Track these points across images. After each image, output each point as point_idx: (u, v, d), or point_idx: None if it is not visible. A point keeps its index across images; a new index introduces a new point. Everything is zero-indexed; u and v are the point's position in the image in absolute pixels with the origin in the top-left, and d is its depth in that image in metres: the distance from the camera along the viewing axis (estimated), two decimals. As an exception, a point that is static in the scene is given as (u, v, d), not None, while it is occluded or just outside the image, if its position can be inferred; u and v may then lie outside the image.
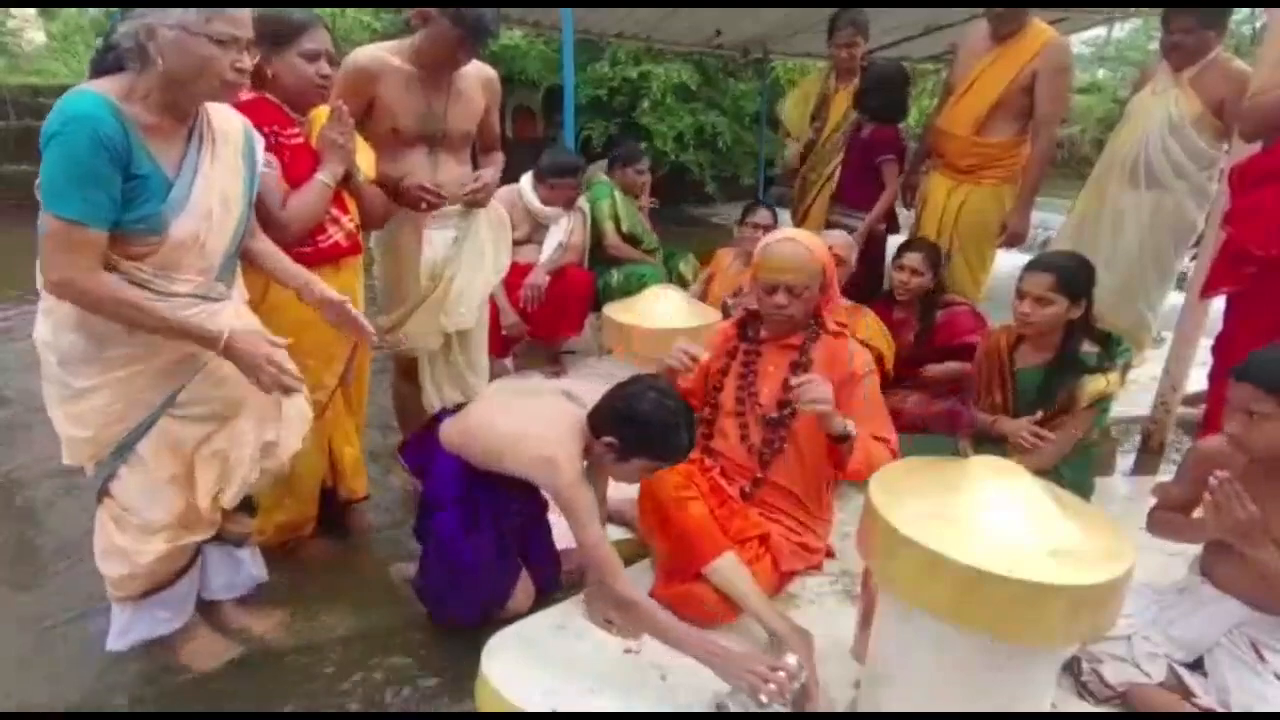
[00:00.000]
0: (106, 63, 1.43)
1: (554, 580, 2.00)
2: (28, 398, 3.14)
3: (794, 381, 1.72)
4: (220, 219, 1.55)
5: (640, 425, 1.61)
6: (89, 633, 1.90)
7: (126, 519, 1.64)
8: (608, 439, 1.63)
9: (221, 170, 1.55)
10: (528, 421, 1.73)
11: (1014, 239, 3.03)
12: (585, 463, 1.69)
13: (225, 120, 1.59)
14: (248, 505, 1.84)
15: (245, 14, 1.44)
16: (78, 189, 1.35)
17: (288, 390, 1.59)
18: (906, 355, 2.71)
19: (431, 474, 1.85)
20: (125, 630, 1.75)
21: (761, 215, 3.31)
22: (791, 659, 1.53)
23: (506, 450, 1.69)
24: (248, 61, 1.46)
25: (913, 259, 2.71)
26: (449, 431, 1.81)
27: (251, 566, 1.96)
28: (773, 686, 1.42)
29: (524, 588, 1.90)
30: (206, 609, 1.90)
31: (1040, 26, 2.87)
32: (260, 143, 1.70)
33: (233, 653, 1.85)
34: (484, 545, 1.79)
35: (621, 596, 1.55)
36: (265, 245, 1.74)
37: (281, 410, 1.70)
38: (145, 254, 1.46)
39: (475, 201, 2.36)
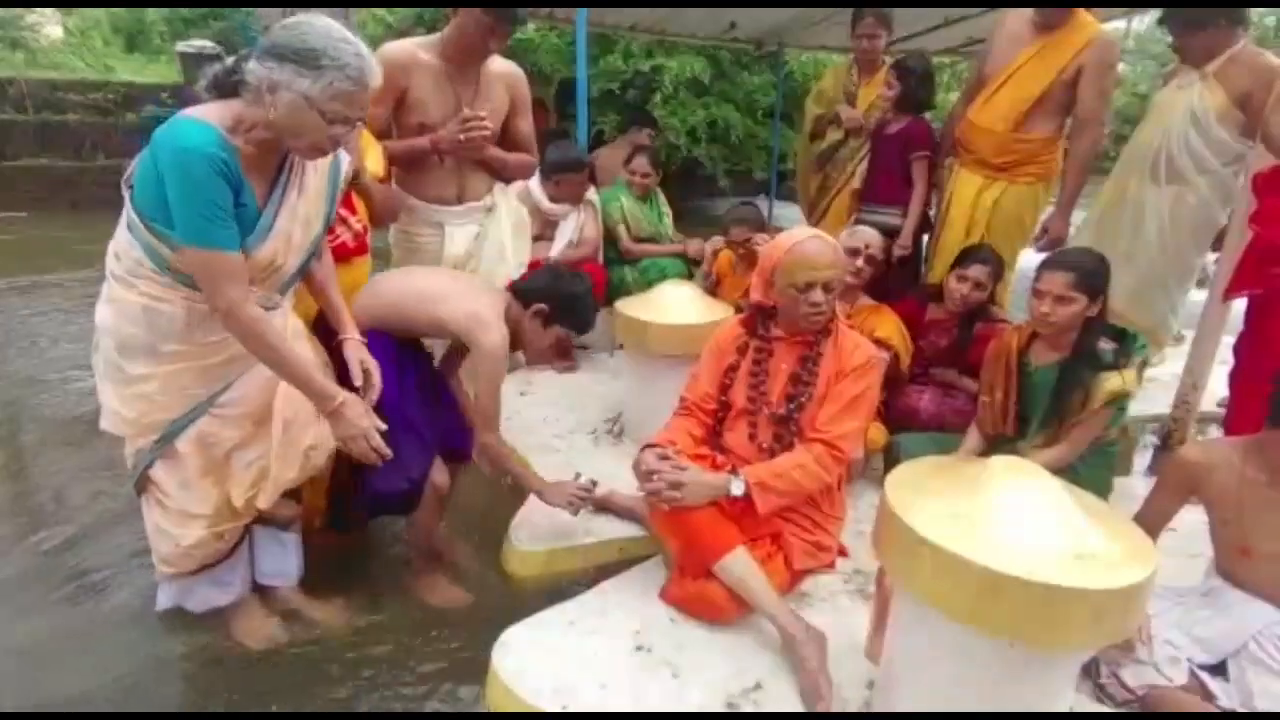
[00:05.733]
0: (227, 84, 1.50)
1: (466, 451, 2.12)
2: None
3: (648, 487, 1.77)
4: (299, 241, 1.63)
5: (572, 299, 1.99)
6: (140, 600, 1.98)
7: (168, 504, 1.70)
8: (539, 306, 1.96)
9: (306, 198, 1.63)
10: (451, 287, 1.97)
11: (1054, 243, 2.89)
12: None
13: None
14: (294, 490, 1.86)
15: (365, 96, 1.49)
16: (210, 219, 1.43)
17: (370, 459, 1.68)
18: (937, 357, 2.62)
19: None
20: (176, 599, 1.85)
21: (748, 212, 3.19)
22: (584, 478, 2.04)
23: (435, 306, 1.88)
24: (349, 137, 1.54)
25: (979, 271, 2.51)
26: (364, 306, 1.92)
27: (295, 554, 1.97)
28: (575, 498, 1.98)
29: (439, 467, 1.95)
30: (265, 594, 1.94)
31: (1087, 18, 2.73)
32: (346, 161, 1.75)
33: (282, 637, 1.88)
34: (410, 406, 1.89)
35: (485, 444, 1.96)
36: (326, 269, 1.81)
37: (318, 414, 1.73)
38: None
39: (472, 136, 2.22)
